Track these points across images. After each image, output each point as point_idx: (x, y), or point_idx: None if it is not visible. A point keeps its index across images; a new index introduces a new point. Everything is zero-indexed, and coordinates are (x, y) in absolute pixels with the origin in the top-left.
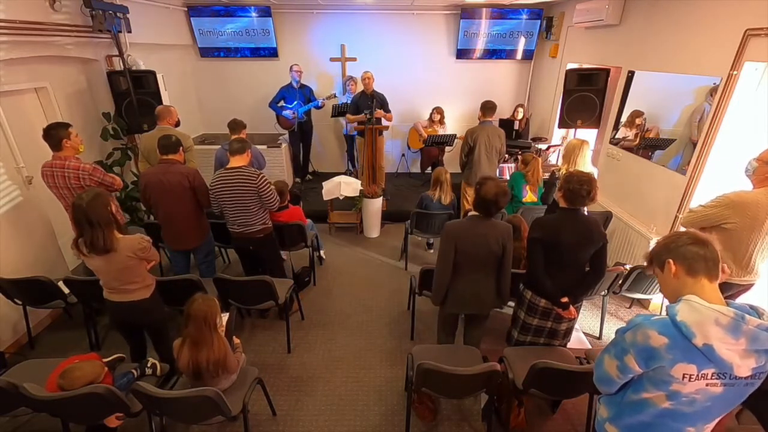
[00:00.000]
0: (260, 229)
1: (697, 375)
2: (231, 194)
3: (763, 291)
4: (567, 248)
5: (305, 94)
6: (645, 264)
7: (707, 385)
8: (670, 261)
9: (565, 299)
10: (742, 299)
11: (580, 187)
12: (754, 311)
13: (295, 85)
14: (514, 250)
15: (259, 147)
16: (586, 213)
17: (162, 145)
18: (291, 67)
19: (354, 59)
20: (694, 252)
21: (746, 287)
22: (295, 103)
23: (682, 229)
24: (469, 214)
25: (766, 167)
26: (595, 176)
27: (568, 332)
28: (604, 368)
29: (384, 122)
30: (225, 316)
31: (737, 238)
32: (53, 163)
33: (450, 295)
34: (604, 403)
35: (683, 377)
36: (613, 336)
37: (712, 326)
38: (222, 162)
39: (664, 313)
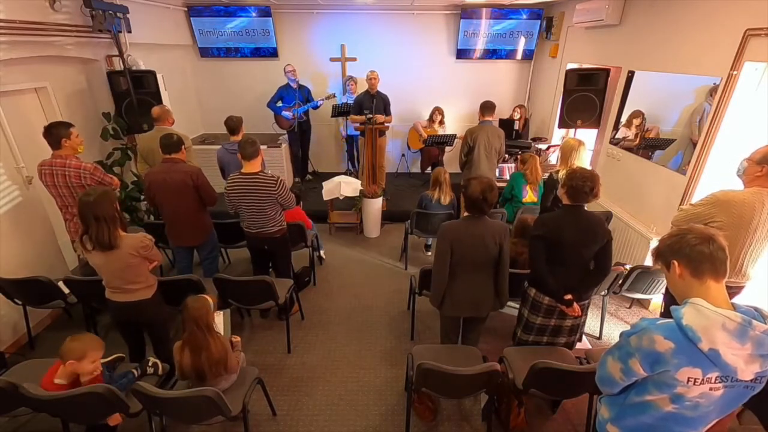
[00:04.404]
0: (277, 229)
1: (702, 379)
2: (249, 200)
3: (763, 293)
4: (570, 245)
5: (304, 95)
6: (653, 260)
7: (711, 389)
8: (675, 262)
9: (568, 296)
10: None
11: (583, 183)
12: (760, 314)
13: (293, 84)
14: (517, 252)
15: None
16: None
17: (164, 144)
18: (284, 68)
19: (354, 59)
20: (700, 252)
21: (736, 290)
22: (294, 103)
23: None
24: (463, 215)
25: (756, 167)
26: None
27: (574, 330)
28: (607, 369)
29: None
30: (221, 315)
31: (725, 238)
32: (53, 162)
33: (447, 298)
34: (606, 404)
35: (688, 381)
36: (612, 336)
37: (718, 331)
38: (224, 162)
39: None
